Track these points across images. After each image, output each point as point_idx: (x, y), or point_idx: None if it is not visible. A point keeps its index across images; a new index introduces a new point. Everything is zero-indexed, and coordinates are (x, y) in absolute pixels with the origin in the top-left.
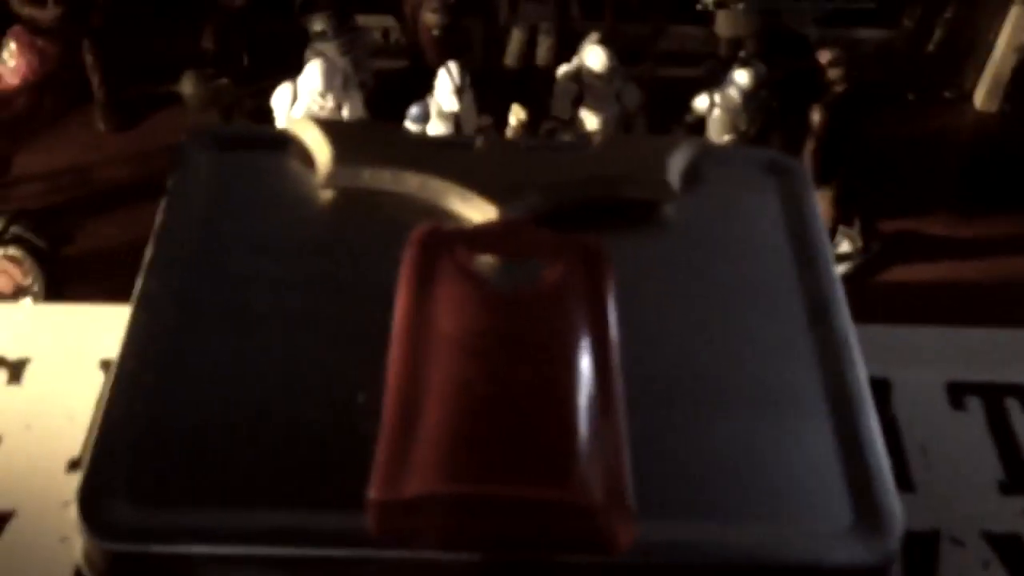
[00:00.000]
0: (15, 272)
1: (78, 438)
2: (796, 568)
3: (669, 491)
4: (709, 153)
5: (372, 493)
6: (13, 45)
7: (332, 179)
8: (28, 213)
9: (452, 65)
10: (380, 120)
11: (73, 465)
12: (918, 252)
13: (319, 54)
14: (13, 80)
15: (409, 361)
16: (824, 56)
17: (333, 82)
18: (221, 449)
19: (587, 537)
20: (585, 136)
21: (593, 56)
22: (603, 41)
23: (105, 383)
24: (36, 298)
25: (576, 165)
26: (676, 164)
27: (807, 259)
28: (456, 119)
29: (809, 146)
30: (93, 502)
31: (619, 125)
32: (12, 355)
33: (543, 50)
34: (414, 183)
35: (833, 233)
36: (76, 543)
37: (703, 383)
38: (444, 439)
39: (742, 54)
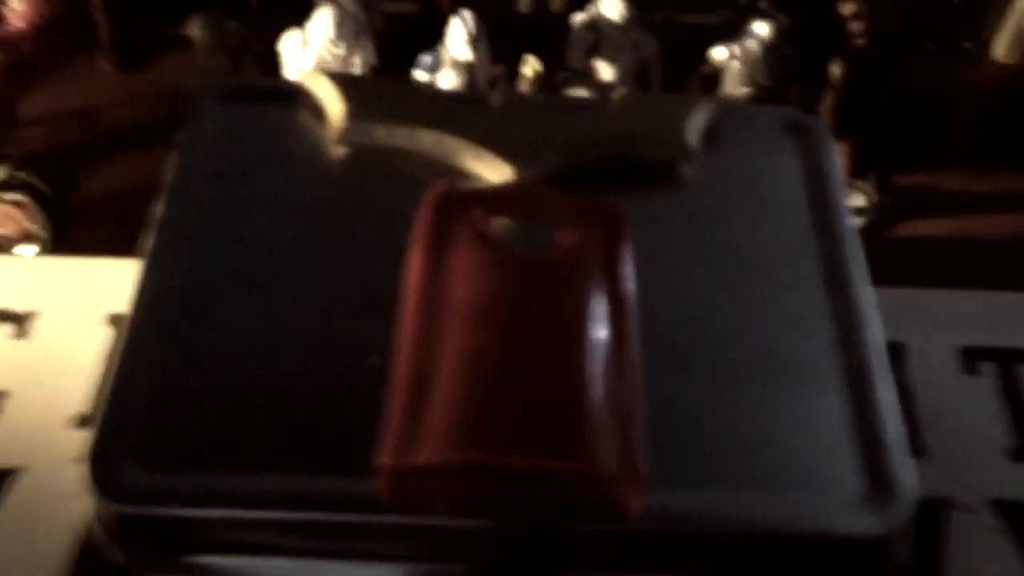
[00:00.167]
0: (21, 217)
1: (84, 394)
2: (806, 537)
3: (680, 459)
4: (729, 112)
5: (383, 459)
6: None
7: (345, 136)
8: (34, 158)
9: (466, 14)
10: (392, 72)
11: (81, 421)
12: (932, 207)
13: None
14: (20, 24)
15: (422, 327)
16: (846, 8)
17: (344, 30)
18: (231, 413)
19: (598, 506)
20: (603, 90)
21: (610, 4)
22: None
23: (113, 339)
24: (43, 243)
25: (594, 124)
26: (695, 124)
27: (827, 223)
28: (469, 69)
29: (828, 100)
30: (104, 465)
31: (635, 75)
32: (18, 308)
33: None
34: (429, 141)
35: (848, 187)
36: (85, 501)
37: (719, 350)
38: (456, 407)
39: (762, 4)
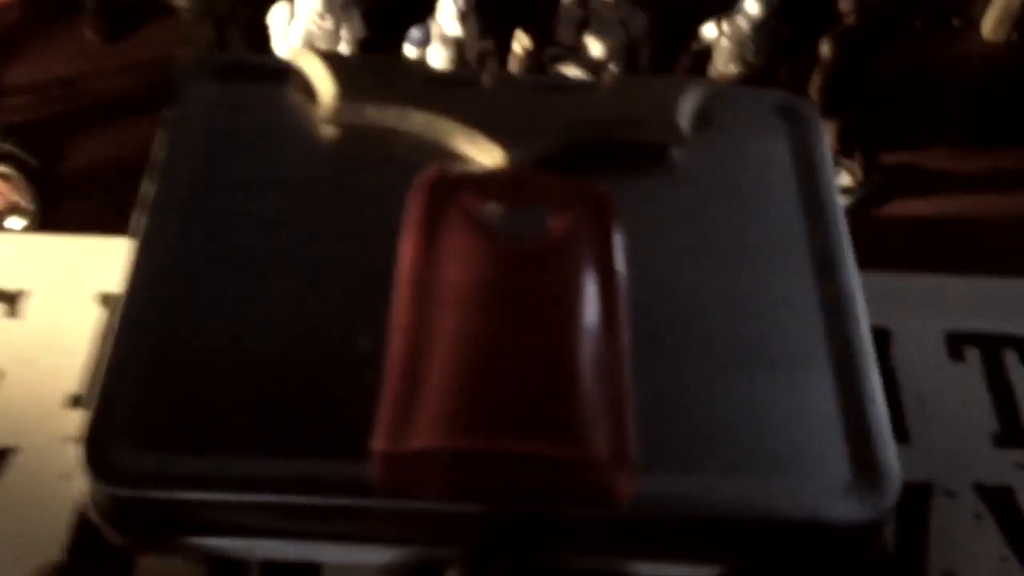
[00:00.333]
0: (8, 190)
1: (77, 374)
2: (793, 523)
3: (669, 445)
4: (720, 95)
5: (377, 444)
6: None
7: (335, 115)
8: (19, 130)
9: None
10: (381, 45)
11: (73, 401)
12: (919, 186)
13: None
14: None
15: (414, 312)
16: None
17: (332, 2)
18: (224, 396)
19: (589, 491)
20: (593, 67)
21: None
22: None
23: (106, 318)
24: (30, 215)
25: (585, 107)
26: (687, 107)
27: (816, 208)
28: (458, 44)
29: (817, 79)
30: (97, 447)
31: (625, 52)
32: (10, 286)
33: None
34: (420, 122)
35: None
36: (78, 482)
37: (708, 336)
38: (449, 393)
39: None
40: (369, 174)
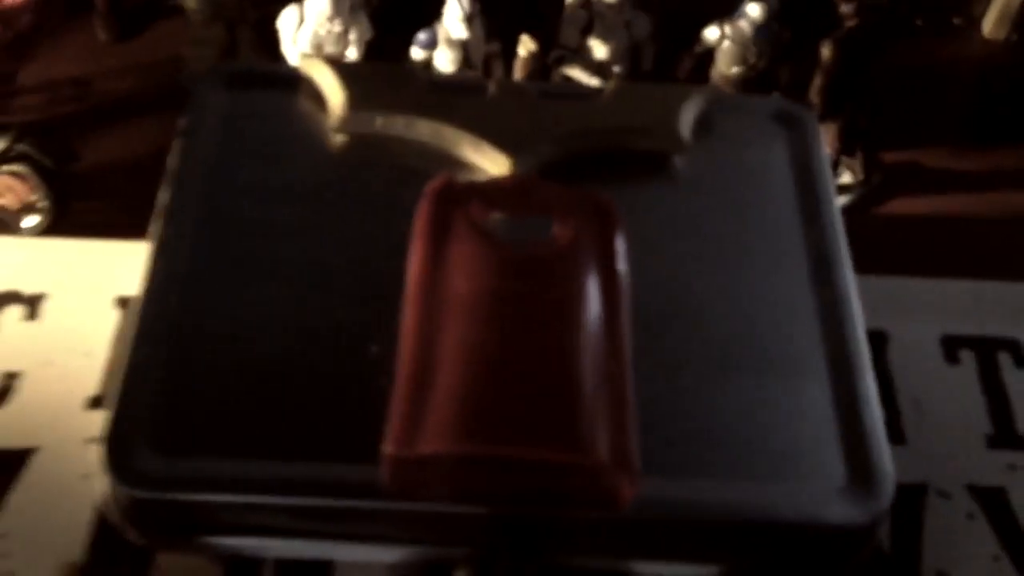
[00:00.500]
0: (21, 189)
1: (96, 375)
2: (789, 526)
3: (667, 450)
4: (720, 103)
5: (387, 449)
6: None
7: (345, 124)
8: (33, 129)
9: None
10: (387, 47)
11: (92, 402)
12: (920, 185)
13: None
14: None
15: (423, 320)
16: None
17: (340, 6)
18: (240, 399)
19: (592, 495)
20: (598, 69)
21: None
22: None
23: (123, 321)
24: (43, 214)
25: (588, 115)
26: (687, 115)
27: (813, 214)
28: (464, 46)
29: (818, 81)
30: (118, 451)
31: (628, 54)
32: (29, 290)
33: None
34: (427, 131)
35: (835, 165)
36: (98, 482)
37: (707, 341)
38: (456, 399)
39: None
40: (379, 182)
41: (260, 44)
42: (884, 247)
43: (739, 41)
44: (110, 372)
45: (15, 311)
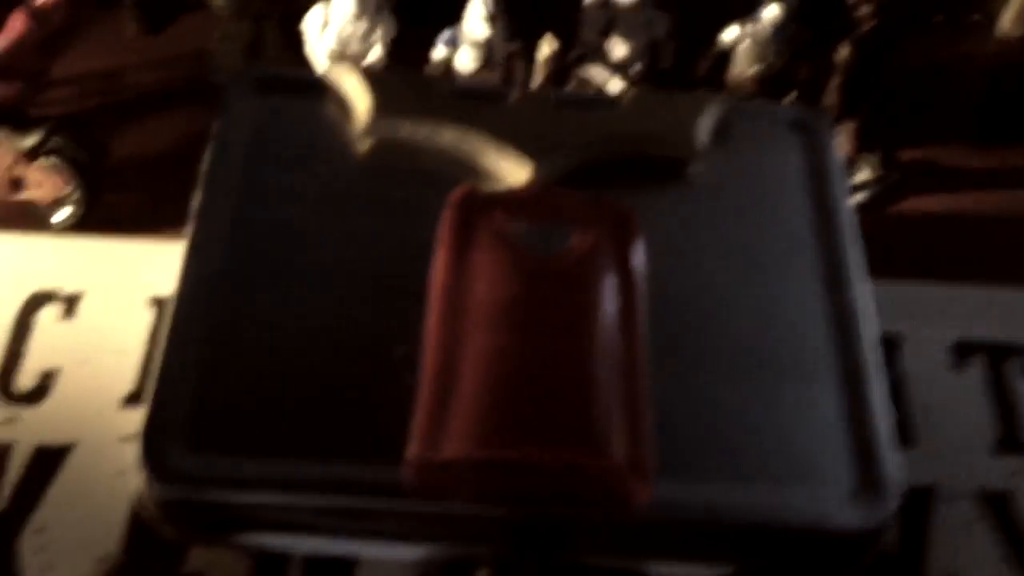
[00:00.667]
0: (54, 182)
1: (131, 374)
2: (797, 529)
3: (679, 453)
4: (738, 110)
5: (411, 452)
6: None
7: (371, 130)
8: (66, 123)
9: None
10: (413, 50)
11: (127, 400)
12: (935, 182)
13: None
14: None
15: (446, 327)
16: None
17: (367, 6)
18: (271, 399)
19: (608, 497)
20: (619, 67)
21: None
22: None
23: (157, 322)
24: (75, 206)
25: (608, 122)
26: (705, 122)
27: (828, 221)
28: (486, 46)
29: (835, 81)
30: (152, 450)
31: (647, 53)
32: (65, 288)
33: None
34: (451, 137)
35: (852, 163)
36: (134, 480)
37: (719, 346)
38: (478, 404)
39: None
40: (404, 187)
41: (285, 40)
42: (898, 245)
43: (757, 41)
44: (145, 372)
45: (53, 310)
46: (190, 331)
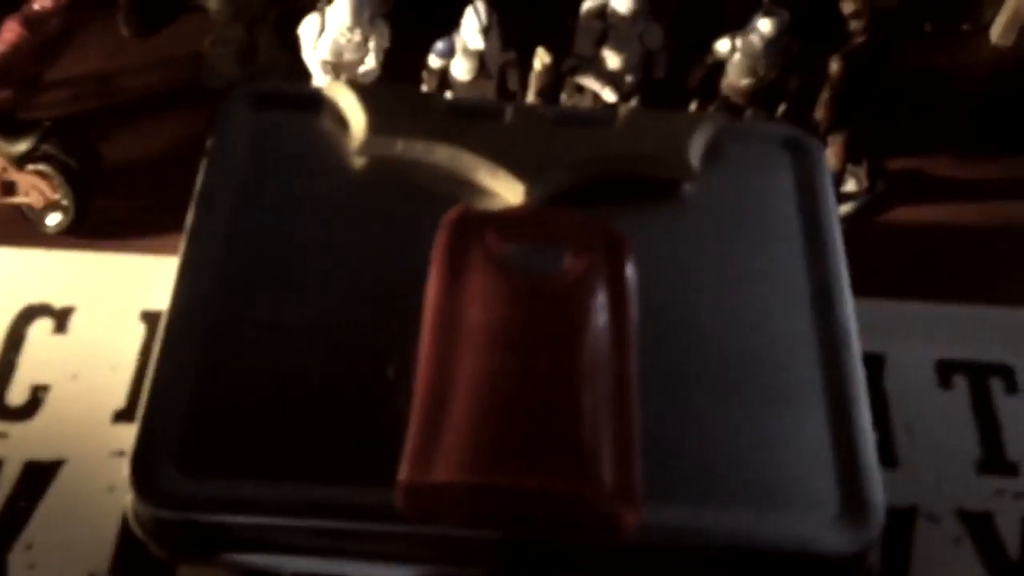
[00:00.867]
0: (46, 187)
1: (122, 389)
2: (782, 554)
3: (666, 477)
4: (729, 130)
5: (402, 476)
6: None
7: (366, 147)
8: (58, 128)
9: (479, 4)
10: (407, 60)
11: (119, 415)
12: (924, 193)
13: None
14: (47, 2)
15: (439, 350)
16: (847, 7)
17: (361, 16)
18: (262, 422)
19: (597, 522)
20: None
21: None
22: None
23: (150, 337)
24: (66, 212)
25: (600, 142)
26: (697, 142)
27: (816, 242)
28: (481, 56)
29: (825, 94)
30: (142, 471)
31: (641, 64)
32: (57, 302)
33: None
34: (445, 156)
35: (841, 174)
36: (124, 496)
37: (707, 369)
38: (468, 429)
39: (765, 1)
40: (398, 204)
41: (279, 45)
42: (886, 256)
43: (750, 54)
44: (136, 389)
45: (44, 324)
46: (181, 351)
